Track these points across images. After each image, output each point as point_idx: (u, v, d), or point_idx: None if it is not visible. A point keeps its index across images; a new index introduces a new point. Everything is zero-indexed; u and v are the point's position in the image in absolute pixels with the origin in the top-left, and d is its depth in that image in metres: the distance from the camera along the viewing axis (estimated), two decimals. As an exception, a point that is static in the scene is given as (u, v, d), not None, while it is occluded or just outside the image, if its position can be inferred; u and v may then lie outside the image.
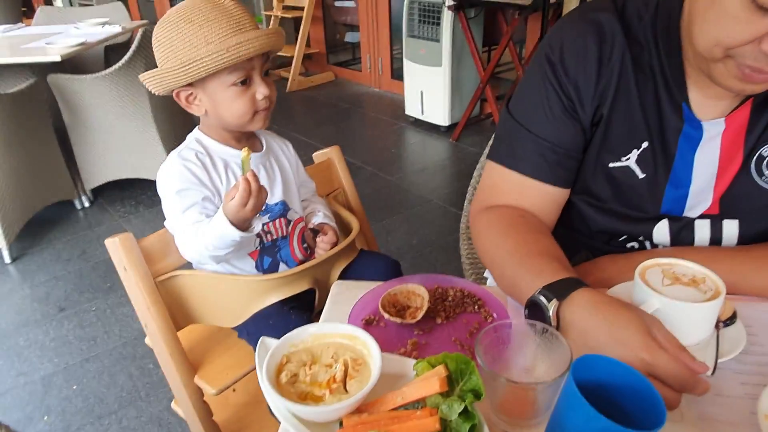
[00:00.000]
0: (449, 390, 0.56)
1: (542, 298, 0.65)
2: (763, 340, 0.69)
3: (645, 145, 0.81)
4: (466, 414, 0.54)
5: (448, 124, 3.67)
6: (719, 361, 0.64)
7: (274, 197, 1.07)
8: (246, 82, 0.96)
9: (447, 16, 3.30)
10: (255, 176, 0.89)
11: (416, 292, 0.78)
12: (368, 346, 0.62)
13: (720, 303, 0.64)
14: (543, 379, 0.56)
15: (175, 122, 2.90)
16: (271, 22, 4.78)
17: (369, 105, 4.42)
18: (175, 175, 0.95)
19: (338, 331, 0.65)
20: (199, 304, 1.00)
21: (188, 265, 1.02)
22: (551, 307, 0.65)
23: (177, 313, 0.99)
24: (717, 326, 0.67)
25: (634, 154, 0.81)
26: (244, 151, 0.88)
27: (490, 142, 0.95)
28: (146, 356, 1.90)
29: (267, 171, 1.06)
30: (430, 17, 3.40)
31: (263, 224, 1.02)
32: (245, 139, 1.06)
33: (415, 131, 3.82)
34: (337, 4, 5.05)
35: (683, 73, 0.78)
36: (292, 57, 4.66)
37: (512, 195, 0.87)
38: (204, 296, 1.00)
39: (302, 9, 4.57)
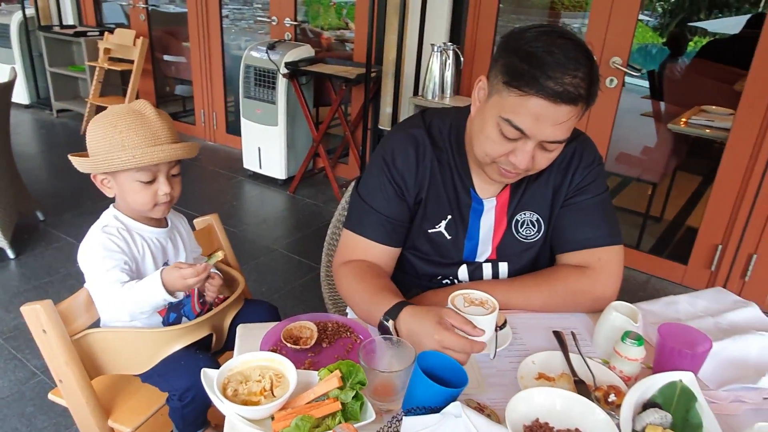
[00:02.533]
0: (344, 384, 0.88)
1: (384, 321, 1.02)
2: (522, 337, 1.13)
3: (449, 217, 1.23)
4: (356, 398, 0.86)
5: (285, 177, 3.99)
6: (497, 350, 1.05)
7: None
8: (152, 181, 1.19)
9: (281, 81, 3.66)
10: (208, 269, 1.14)
11: (306, 326, 1.09)
12: (284, 364, 0.92)
13: (496, 315, 1.06)
14: (399, 369, 0.91)
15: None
16: (96, 74, 4.68)
17: (206, 158, 4.55)
18: (99, 244, 1.14)
19: (259, 357, 0.93)
20: (110, 357, 1.17)
21: (98, 323, 1.18)
22: (390, 325, 1.01)
23: (89, 366, 1.15)
24: (496, 330, 1.09)
25: (443, 223, 1.24)
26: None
27: (344, 213, 1.32)
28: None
29: (173, 243, 1.29)
30: (265, 81, 3.73)
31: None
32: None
33: (254, 184, 4.07)
34: (166, 58, 5.13)
35: (468, 168, 1.23)
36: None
37: (362, 253, 1.24)
38: (115, 349, 1.17)
39: (131, 62, 4.57)
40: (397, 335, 1.01)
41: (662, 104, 4.14)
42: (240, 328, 1.11)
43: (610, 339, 1.06)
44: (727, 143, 2.70)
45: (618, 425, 0.84)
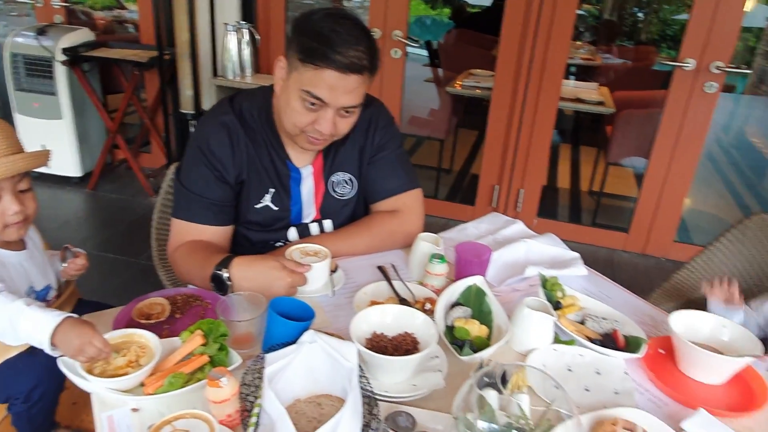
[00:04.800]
0: (207, 341, 0.98)
1: (217, 271, 1.14)
2: (354, 276, 1.32)
3: (272, 190, 1.37)
4: (221, 349, 0.97)
5: (81, 174, 3.66)
6: (335, 289, 1.23)
7: (41, 283, 1.24)
8: None
9: (61, 70, 3.32)
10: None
11: (156, 302, 1.14)
12: (144, 335, 0.98)
13: (329, 262, 1.23)
14: (255, 315, 1.04)
15: None
16: None
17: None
18: None
19: (117, 335, 0.98)
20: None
21: None
22: (224, 273, 1.13)
23: None
24: (331, 273, 1.27)
25: (267, 197, 1.36)
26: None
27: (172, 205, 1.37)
28: None
29: (36, 264, 1.21)
30: (39, 71, 3.34)
31: None
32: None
33: (44, 186, 3.65)
34: None
35: (282, 143, 1.36)
36: None
37: (195, 237, 1.32)
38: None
39: None
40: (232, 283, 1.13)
41: (440, 70, 4.71)
42: (87, 317, 1.11)
43: (421, 263, 1.31)
44: (491, 100, 3.23)
45: (435, 324, 1.08)
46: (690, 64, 2.84)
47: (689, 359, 1.06)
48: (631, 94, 3.87)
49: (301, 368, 0.93)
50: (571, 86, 3.89)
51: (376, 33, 3.22)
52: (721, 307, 1.26)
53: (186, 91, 3.27)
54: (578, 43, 5.36)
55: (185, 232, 1.32)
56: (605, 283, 1.38)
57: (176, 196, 1.35)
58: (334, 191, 1.43)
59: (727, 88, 5.20)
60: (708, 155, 5.06)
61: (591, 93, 3.70)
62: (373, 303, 1.20)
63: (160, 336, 1.03)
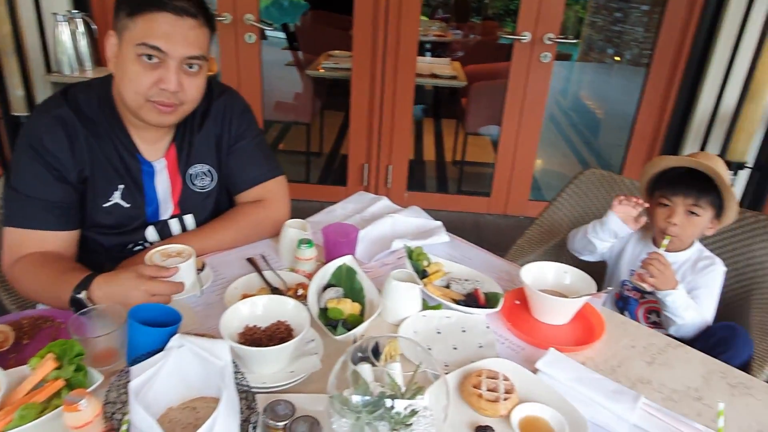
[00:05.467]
0: (61, 364, 0.90)
1: (76, 294, 1.05)
2: (223, 272, 1.29)
3: (122, 186, 1.27)
4: (78, 370, 0.90)
5: None
6: (203, 288, 1.19)
7: None
8: None
9: None
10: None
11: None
12: (-15, 370, 0.88)
13: (193, 261, 1.18)
14: (112, 329, 0.97)
15: None
16: None
17: None
18: None
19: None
20: None
21: None
22: (83, 294, 1.05)
23: None
24: (198, 272, 1.22)
25: (116, 194, 1.27)
26: None
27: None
28: None
29: None
30: None
31: None
32: None
33: None
34: None
35: (129, 134, 1.27)
36: None
37: (37, 245, 1.19)
38: None
39: None
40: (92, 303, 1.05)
41: (300, 53, 4.65)
42: None
43: (290, 250, 1.31)
44: (352, 80, 3.27)
45: (308, 308, 1.09)
46: (526, 36, 3.08)
47: (538, 306, 1.18)
48: (480, 67, 4.12)
49: (172, 375, 0.89)
50: (427, 62, 4.06)
51: (226, 18, 3.09)
52: (616, 219, 1.42)
53: (15, 91, 2.90)
54: (433, 20, 5.57)
55: (24, 241, 1.18)
56: (466, 246, 1.48)
57: (8, 203, 1.21)
58: (193, 184, 1.37)
59: (563, 57, 5.73)
60: (550, 118, 5.56)
61: (444, 68, 3.89)
62: (245, 296, 1.18)
63: (5, 367, 0.94)
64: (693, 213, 1.38)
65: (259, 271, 1.26)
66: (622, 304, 1.55)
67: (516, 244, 1.80)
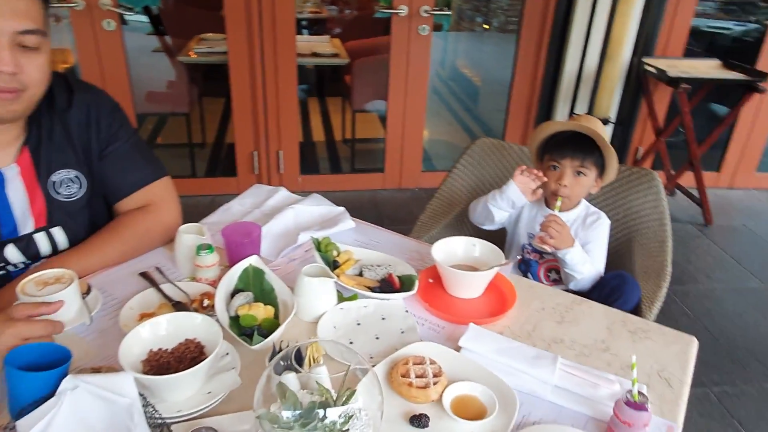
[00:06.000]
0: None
1: None
2: (113, 293, 1.16)
3: None
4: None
5: None
6: (92, 315, 1.06)
7: None
8: None
9: None
10: None
11: None
12: None
13: (76, 285, 1.04)
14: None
15: None
16: None
17: None
18: None
19: None
20: None
21: None
22: None
23: None
24: (83, 297, 1.08)
25: None
26: None
27: None
28: None
29: None
30: None
31: None
32: None
33: None
34: None
35: None
36: None
37: None
38: None
39: None
40: None
41: (168, 38, 4.31)
42: None
43: (188, 258, 1.20)
44: (230, 63, 3.08)
45: (217, 320, 1.01)
46: (403, 10, 3.09)
47: (453, 282, 1.20)
48: (360, 43, 4.08)
49: (69, 423, 0.78)
50: (305, 41, 3.94)
51: (78, 4, 2.76)
52: (515, 189, 1.46)
53: None
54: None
55: None
56: (372, 229, 1.46)
57: None
58: (57, 192, 1.21)
59: (436, 27, 5.86)
60: (433, 90, 5.69)
61: (325, 46, 3.80)
62: (144, 316, 1.07)
63: None
64: (580, 173, 1.47)
65: (155, 285, 1.15)
66: (524, 267, 1.62)
67: (419, 220, 1.82)
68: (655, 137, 3.44)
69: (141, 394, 0.82)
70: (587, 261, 1.46)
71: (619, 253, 1.70)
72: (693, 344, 1.09)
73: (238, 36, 3.00)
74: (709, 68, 3.31)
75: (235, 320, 1.05)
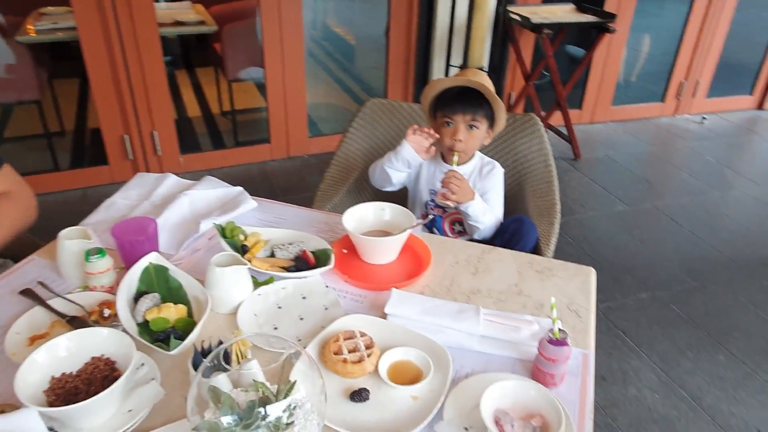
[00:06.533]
0: None
1: None
2: (-13, 318, 1.01)
3: None
4: None
5: None
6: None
7: None
8: None
9: None
10: None
11: None
12: None
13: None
14: None
15: None
16: None
17: None
18: None
19: None
20: None
21: None
22: None
23: None
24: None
25: None
26: None
27: None
28: None
29: None
30: None
31: None
32: None
33: None
34: None
35: None
36: None
37: None
38: None
39: None
40: None
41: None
42: None
43: (76, 266, 1.08)
44: (81, 39, 2.75)
45: (124, 330, 0.92)
46: (269, -31, 2.92)
47: (368, 249, 1.19)
48: (225, 7, 3.82)
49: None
50: (164, 8, 3.62)
51: None
52: (409, 149, 1.49)
53: None
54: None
55: None
56: (276, 206, 1.41)
57: None
58: None
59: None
60: (308, 52, 5.53)
61: (188, 13, 3.52)
62: (35, 339, 0.96)
63: None
64: (473, 127, 1.51)
65: (41, 302, 1.02)
66: (429, 224, 1.66)
67: (319, 189, 1.77)
68: (524, 82, 3.63)
69: (51, 429, 0.73)
70: (488, 210, 1.52)
71: (513, 198, 1.79)
72: (592, 274, 1.19)
73: (85, 7, 2.67)
74: (564, 12, 3.53)
75: (144, 326, 0.97)
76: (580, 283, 1.16)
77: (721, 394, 1.92)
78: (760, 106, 4.54)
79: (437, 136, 1.49)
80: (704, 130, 4.19)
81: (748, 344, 2.14)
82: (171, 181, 1.44)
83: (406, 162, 1.52)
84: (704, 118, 4.33)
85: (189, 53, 4.90)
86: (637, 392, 1.92)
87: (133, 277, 1.04)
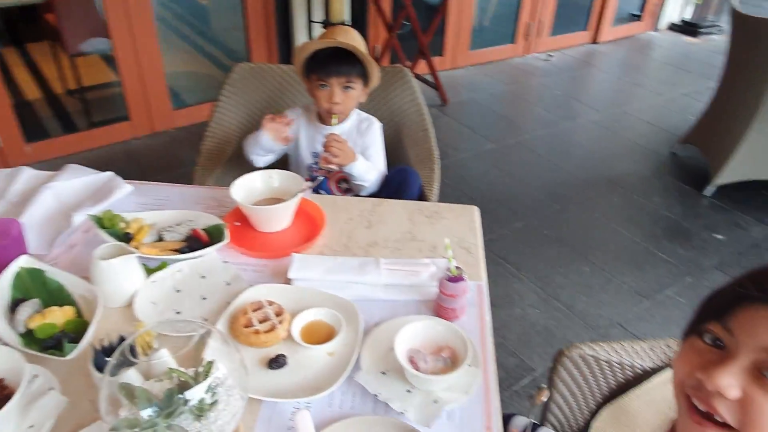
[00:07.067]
0: None
1: None
2: None
3: None
4: None
5: None
6: None
7: None
8: None
9: None
10: None
11: None
12: None
13: None
14: None
15: None
16: None
17: None
18: None
19: None
20: None
21: None
22: None
23: None
24: None
25: None
26: None
27: None
28: None
29: None
30: None
31: None
32: None
33: None
34: None
35: None
36: None
37: None
38: None
39: None
40: None
41: None
42: None
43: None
44: None
45: (5, 343, 0.84)
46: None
47: (261, 219, 1.18)
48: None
49: None
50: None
51: None
52: (267, 138, 1.49)
53: None
54: None
55: None
56: (154, 188, 1.33)
57: None
58: None
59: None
60: (158, 18, 5.10)
61: (4, -20, 3.06)
62: None
63: None
64: (348, 88, 1.51)
65: None
66: (316, 186, 1.66)
67: (198, 164, 1.69)
68: (387, 33, 3.67)
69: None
70: (371, 168, 1.56)
71: (393, 149, 1.84)
72: (476, 212, 1.28)
73: None
74: (418, -39, 3.58)
75: (28, 336, 0.89)
76: (467, 222, 1.25)
77: (588, 299, 2.19)
78: (594, 41, 5.00)
79: (293, 122, 1.53)
80: (551, 66, 4.55)
81: (605, 254, 2.45)
82: (26, 174, 1.29)
83: (267, 149, 1.54)
84: (550, 55, 4.70)
85: (14, 27, 4.29)
86: (521, 311, 2.13)
87: (3, 285, 0.94)
